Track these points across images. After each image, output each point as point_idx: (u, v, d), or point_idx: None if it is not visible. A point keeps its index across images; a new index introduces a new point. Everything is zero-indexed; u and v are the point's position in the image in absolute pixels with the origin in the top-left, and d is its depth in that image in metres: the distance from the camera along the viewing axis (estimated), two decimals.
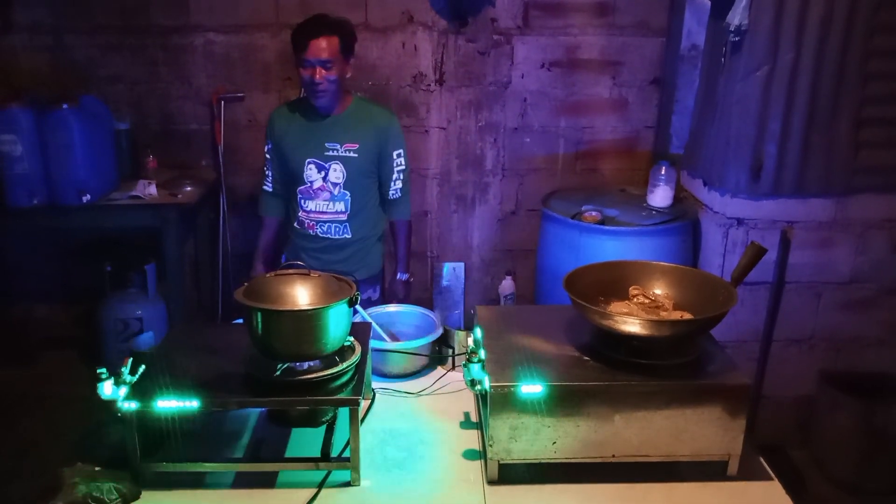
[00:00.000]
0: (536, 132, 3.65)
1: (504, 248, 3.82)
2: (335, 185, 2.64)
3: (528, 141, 3.66)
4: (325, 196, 2.66)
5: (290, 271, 1.69)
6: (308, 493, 1.58)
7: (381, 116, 2.70)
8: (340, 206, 2.67)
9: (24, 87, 3.24)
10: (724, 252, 2.95)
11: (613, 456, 1.62)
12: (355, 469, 1.60)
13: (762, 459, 1.71)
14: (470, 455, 1.73)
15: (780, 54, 2.68)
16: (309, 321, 1.61)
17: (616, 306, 1.79)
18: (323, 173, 2.63)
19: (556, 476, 1.63)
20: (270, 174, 2.77)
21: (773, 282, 2.95)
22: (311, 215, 2.70)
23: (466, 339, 2.12)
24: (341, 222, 2.70)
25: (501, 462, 1.62)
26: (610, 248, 2.97)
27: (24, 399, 3.43)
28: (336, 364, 1.66)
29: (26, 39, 3.48)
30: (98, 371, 1.54)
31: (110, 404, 1.54)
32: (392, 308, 2.33)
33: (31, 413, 3.34)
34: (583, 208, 3.15)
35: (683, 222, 3.09)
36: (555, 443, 1.60)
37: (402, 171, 2.74)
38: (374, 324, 2.07)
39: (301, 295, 1.62)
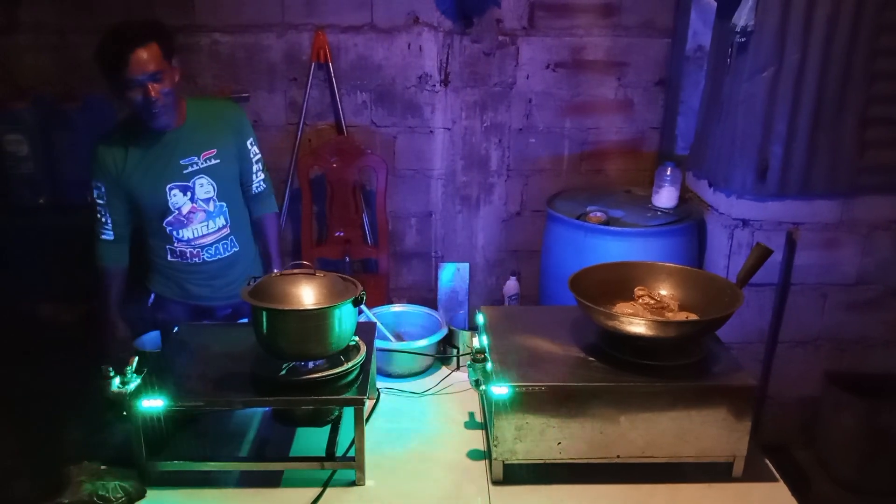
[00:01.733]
0: (541, 133, 3.65)
1: (509, 249, 3.82)
2: (207, 200, 2.33)
3: (533, 142, 3.66)
4: (201, 217, 2.34)
5: (296, 271, 1.69)
6: (313, 492, 1.58)
7: (226, 110, 2.44)
8: (221, 221, 2.39)
9: (30, 86, 3.25)
10: (730, 253, 2.94)
11: (618, 457, 1.62)
12: (360, 468, 1.61)
13: (767, 460, 1.71)
14: (475, 455, 1.73)
15: (786, 55, 2.68)
16: (314, 321, 1.61)
17: (621, 307, 1.79)
18: (189, 194, 2.30)
19: (561, 476, 1.63)
20: (109, 219, 2.32)
21: (778, 283, 2.94)
22: (193, 242, 2.36)
23: (471, 340, 2.11)
24: (226, 237, 2.41)
25: (506, 462, 1.62)
26: (615, 249, 2.97)
27: (30, 397, 3.44)
28: (341, 363, 1.66)
29: (32, 39, 3.48)
30: (104, 369, 1.54)
31: (116, 403, 1.55)
32: (397, 308, 2.34)
33: (37, 411, 3.34)
34: (588, 209, 3.15)
35: (689, 223, 3.09)
36: (560, 443, 1.60)
37: (260, 159, 2.48)
38: (378, 324, 2.07)
39: (307, 294, 1.62)
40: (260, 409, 1.84)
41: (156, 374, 1.63)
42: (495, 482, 1.63)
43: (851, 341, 3.07)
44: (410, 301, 3.35)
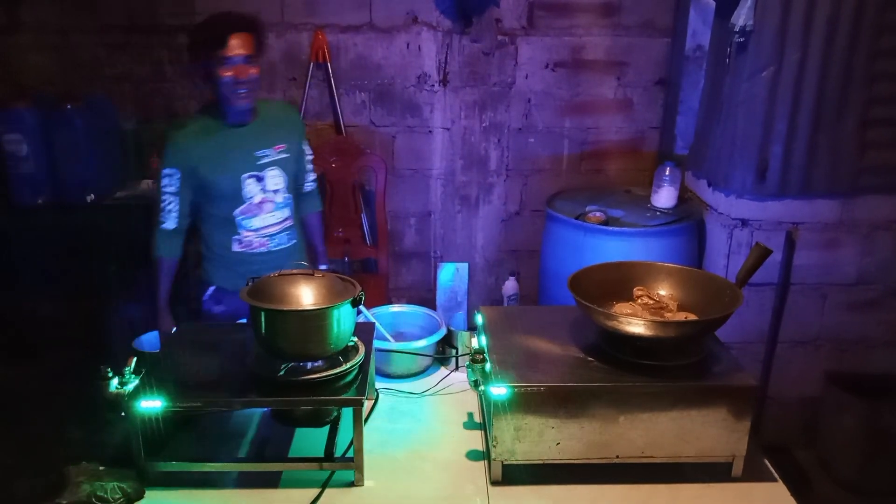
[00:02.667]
0: (541, 133, 3.64)
1: (508, 249, 3.81)
2: (276, 191, 2.46)
3: (532, 141, 3.66)
4: (269, 207, 2.46)
5: (295, 271, 1.69)
6: (312, 492, 1.58)
7: (289, 110, 2.68)
8: (286, 213, 2.52)
9: (31, 86, 3.25)
10: (729, 253, 2.94)
11: (618, 457, 1.62)
12: (359, 469, 1.60)
13: (767, 461, 1.71)
14: (474, 456, 1.73)
15: (786, 54, 2.67)
16: (313, 321, 1.61)
17: (620, 307, 1.79)
18: (262, 185, 2.43)
19: (560, 477, 1.62)
20: (176, 209, 2.38)
21: (778, 283, 2.94)
22: (261, 231, 2.47)
23: (470, 340, 2.11)
24: (290, 228, 2.54)
25: (505, 463, 1.62)
26: (614, 249, 2.97)
27: (30, 396, 3.44)
28: (340, 364, 1.66)
29: (32, 38, 3.49)
30: (102, 370, 1.54)
31: (114, 403, 1.55)
32: (396, 308, 2.33)
33: (37, 411, 3.35)
34: (587, 209, 3.14)
35: (688, 223, 3.09)
36: (559, 443, 1.60)
37: (311, 159, 2.64)
38: (377, 324, 2.07)
39: (306, 295, 1.62)
40: (259, 410, 1.84)
41: (154, 374, 1.63)
42: (494, 483, 1.63)
43: (852, 341, 3.07)
44: (409, 301, 3.35)
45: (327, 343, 1.63)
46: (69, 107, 3.06)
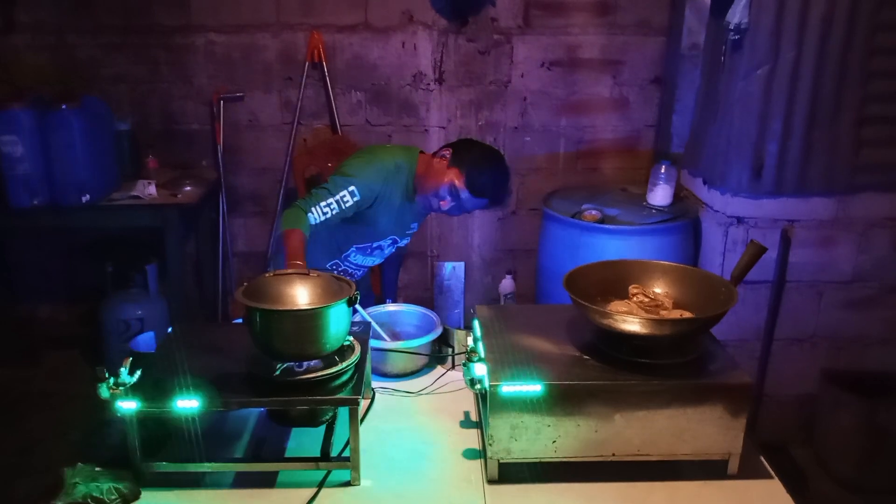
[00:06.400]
0: (537, 131, 3.65)
1: (504, 248, 3.82)
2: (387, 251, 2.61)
3: (528, 140, 3.66)
4: (377, 258, 2.59)
5: (290, 271, 1.69)
6: (308, 492, 1.58)
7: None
8: (378, 260, 2.64)
9: (27, 86, 3.25)
10: (725, 251, 2.94)
11: (614, 455, 1.62)
12: (355, 468, 1.60)
13: (763, 458, 1.71)
14: (470, 454, 1.73)
15: (781, 53, 2.68)
16: (309, 321, 1.61)
17: (616, 305, 1.79)
18: (392, 247, 2.57)
19: (557, 475, 1.63)
20: (329, 215, 2.24)
21: (774, 280, 2.94)
22: (354, 265, 2.59)
23: (466, 339, 2.12)
24: (367, 267, 2.68)
25: (501, 461, 1.62)
26: (610, 247, 2.97)
27: (28, 398, 3.44)
28: (336, 363, 1.65)
29: (29, 39, 3.49)
30: (98, 370, 1.54)
31: (111, 404, 1.54)
32: (392, 307, 2.33)
33: (35, 411, 3.35)
34: (583, 207, 3.15)
35: (684, 221, 3.09)
36: (555, 442, 1.60)
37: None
38: (373, 323, 2.07)
39: (301, 294, 1.62)
40: (255, 410, 1.84)
41: (150, 375, 1.63)
42: (490, 481, 1.63)
43: (848, 339, 3.07)
44: (406, 300, 3.35)
45: (323, 343, 1.63)
46: (65, 107, 3.05)
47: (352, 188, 2.25)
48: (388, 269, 2.89)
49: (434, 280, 2.42)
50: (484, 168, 2.34)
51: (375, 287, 3.05)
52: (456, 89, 3.56)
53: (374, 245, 2.51)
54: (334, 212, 2.24)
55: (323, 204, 2.23)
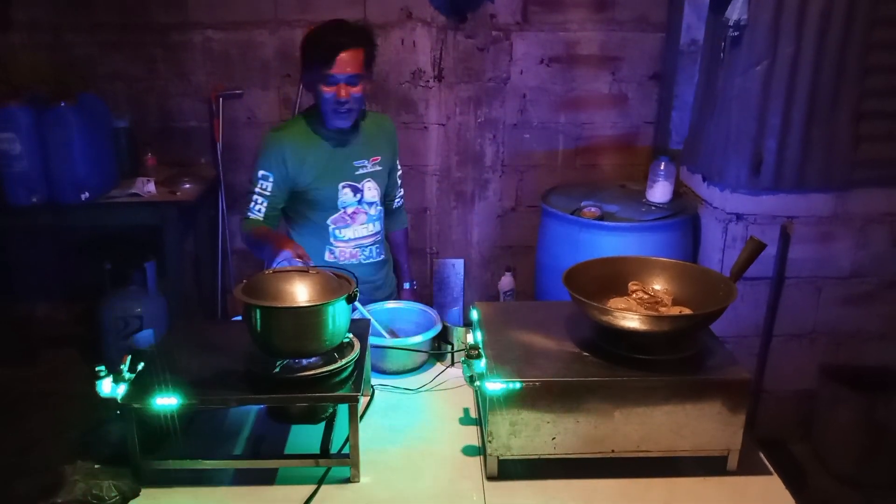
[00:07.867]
0: (536, 128, 3.64)
1: (504, 245, 3.82)
2: (371, 204, 2.44)
3: (527, 137, 3.66)
4: (362, 219, 2.44)
5: (289, 268, 1.69)
6: (308, 489, 1.58)
7: (387, 123, 2.57)
8: (378, 226, 2.50)
9: (24, 84, 3.24)
10: (724, 247, 2.94)
11: (613, 451, 1.62)
12: (355, 465, 1.60)
13: (762, 454, 1.71)
14: (469, 451, 1.73)
15: (780, 49, 2.68)
16: (308, 318, 1.60)
17: (615, 302, 1.79)
18: (359, 196, 2.41)
19: (556, 472, 1.63)
20: (264, 210, 2.32)
21: (773, 276, 2.95)
22: (352, 243, 2.46)
23: (466, 336, 2.12)
24: (380, 241, 2.53)
25: (501, 458, 1.62)
26: (609, 244, 2.97)
27: (27, 396, 3.44)
28: (335, 360, 1.65)
29: (25, 37, 3.48)
30: (97, 369, 1.54)
31: (110, 402, 1.54)
32: (391, 304, 2.33)
33: (34, 410, 3.34)
34: (582, 204, 3.15)
35: (683, 218, 3.09)
36: (554, 438, 1.60)
37: (401, 174, 2.63)
38: (373, 320, 2.07)
39: (300, 292, 1.62)
40: (254, 407, 1.84)
41: (149, 372, 1.63)
42: (490, 478, 1.63)
43: (847, 335, 3.08)
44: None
45: (322, 340, 1.63)
46: (62, 105, 3.04)
47: (261, 173, 2.32)
48: (397, 252, 2.76)
49: (433, 277, 2.41)
50: (312, 34, 2.30)
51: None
52: (455, 86, 3.56)
53: (342, 207, 2.39)
54: (264, 203, 2.32)
55: (251, 204, 2.33)
